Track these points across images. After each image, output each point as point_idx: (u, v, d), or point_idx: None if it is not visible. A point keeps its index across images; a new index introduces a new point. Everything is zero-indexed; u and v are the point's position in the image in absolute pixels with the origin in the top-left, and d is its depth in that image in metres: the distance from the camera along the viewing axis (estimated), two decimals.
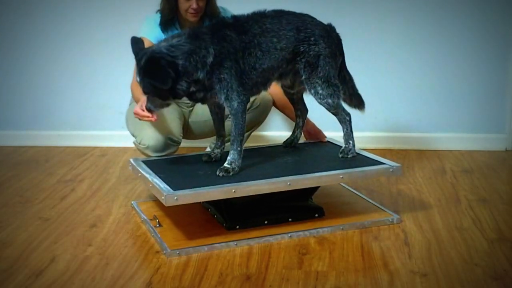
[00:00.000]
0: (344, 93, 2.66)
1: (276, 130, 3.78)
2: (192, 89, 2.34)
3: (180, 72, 2.26)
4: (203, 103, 2.50)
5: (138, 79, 2.30)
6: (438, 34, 3.61)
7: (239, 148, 2.40)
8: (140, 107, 2.47)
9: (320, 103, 2.54)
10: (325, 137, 2.95)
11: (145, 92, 2.34)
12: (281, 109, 3.04)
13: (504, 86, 3.64)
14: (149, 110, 2.38)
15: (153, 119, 2.41)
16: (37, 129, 3.97)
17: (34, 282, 2.08)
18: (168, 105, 2.41)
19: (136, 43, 2.36)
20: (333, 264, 2.17)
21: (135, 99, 2.74)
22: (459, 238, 2.38)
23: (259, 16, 2.46)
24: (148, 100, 2.36)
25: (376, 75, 3.67)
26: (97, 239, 2.42)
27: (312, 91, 2.52)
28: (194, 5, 2.69)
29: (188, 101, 2.98)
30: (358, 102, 2.72)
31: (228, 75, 2.32)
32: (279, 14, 2.49)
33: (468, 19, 3.58)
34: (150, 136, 2.71)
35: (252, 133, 3.12)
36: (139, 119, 2.52)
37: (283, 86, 2.71)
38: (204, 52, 2.30)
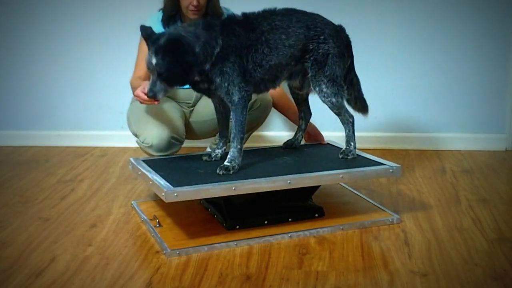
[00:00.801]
0: (350, 95, 2.66)
1: (277, 130, 3.78)
2: (197, 78, 2.35)
3: (195, 59, 2.27)
4: (208, 96, 2.51)
5: (154, 60, 2.24)
6: (438, 34, 3.61)
7: (239, 146, 2.40)
8: (142, 90, 2.47)
9: (324, 102, 2.55)
10: (324, 140, 2.95)
11: (159, 74, 2.28)
12: (281, 111, 3.04)
13: (504, 86, 3.64)
14: (153, 96, 2.32)
15: (156, 102, 2.41)
16: (37, 129, 3.97)
17: (34, 282, 2.07)
18: (168, 91, 2.36)
19: (146, 29, 2.35)
20: (333, 264, 2.17)
21: (134, 89, 2.74)
22: (459, 238, 2.38)
23: (269, 14, 2.47)
24: (154, 85, 2.31)
25: (376, 75, 3.67)
26: (97, 239, 2.42)
27: (317, 89, 2.53)
28: (195, 2, 2.70)
29: (189, 101, 2.99)
30: (362, 106, 2.72)
31: (231, 69, 2.33)
32: (289, 12, 2.50)
33: (468, 19, 3.58)
34: (154, 135, 2.71)
35: (253, 133, 3.12)
36: (141, 103, 2.54)
37: (291, 87, 2.71)
38: (214, 43, 2.31)
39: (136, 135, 2.84)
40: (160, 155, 2.73)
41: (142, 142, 2.76)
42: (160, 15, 2.86)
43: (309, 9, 2.61)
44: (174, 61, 2.24)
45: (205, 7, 2.77)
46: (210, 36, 2.31)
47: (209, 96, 2.51)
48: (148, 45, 2.32)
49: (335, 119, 2.65)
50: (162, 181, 2.28)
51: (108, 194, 2.98)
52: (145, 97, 2.43)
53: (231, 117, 2.43)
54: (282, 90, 2.93)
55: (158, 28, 2.78)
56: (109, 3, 3.74)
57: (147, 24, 2.82)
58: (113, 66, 3.77)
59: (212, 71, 2.33)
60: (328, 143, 2.92)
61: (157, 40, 2.27)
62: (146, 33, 2.33)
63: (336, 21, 2.62)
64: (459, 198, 2.83)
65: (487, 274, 2.07)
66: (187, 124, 2.99)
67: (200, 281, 2.06)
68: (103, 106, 3.88)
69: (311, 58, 2.50)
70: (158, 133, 2.71)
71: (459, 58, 3.63)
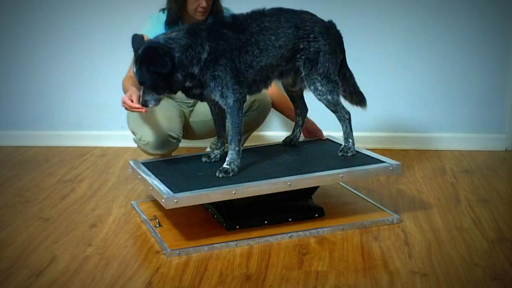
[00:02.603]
0: (345, 91, 2.67)
1: (276, 130, 3.78)
2: (188, 84, 2.36)
3: (176, 64, 2.28)
4: (202, 100, 2.51)
5: (135, 69, 2.30)
6: (438, 33, 3.61)
7: (237, 148, 2.40)
8: (129, 97, 2.47)
9: (320, 100, 2.55)
10: (324, 135, 2.95)
11: (141, 83, 2.33)
12: (280, 110, 3.04)
13: (504, 86, 3.63)
14: (144, 104, 2.36)
15: (143, 110, 2.40)
16: (37, 129, 3.97)
17: (34, 282, 2.08)
18: (160, 100, 2.39)
19: (137, 39, 2.38)
20: (333, 264, 2.17)
21: (124, 90, 2.74)
22: (459, 238, 2.38)
23: (258, 15, 2.47)
24: (144, 93, 2.35)
25: (376, 75, 3.67)
26: (97, 239, 2.42)
27: (312, 87, 2.53)
28: (204, 4, 2.69)
29: (189, 101, 2.99)
30: (359, 99, 2.72)
31: (223, 73, 2.33)
32: (278, 12, 2.50)
33: (468, 18, 3.57)
34: (150, 133, 2.71)
35: (252, 133, 3.12)
36: (125, 109, 2.51)
37: (284, 84, 2.71)
38: (200, 48, 2.32)
39: (133, 133, 2.84)
40: (157, 153, 2.73)
41: (139, 140, 2.76)
42: (160, 15, 2.85)
43: (309, 9, 2.61)
44: (149, 70, 2.26)
45: (211, 7, 2.77)
46: (195, 41, 2.32)
47: (202, 100, 2.52)
48: (134, 55, 2.35)
49: (334, 117, 2.65)
50: (162, 187, 2.28)
51: (108, 194, 2.98)
52: (131, 104, 2.44)
53: (227, 119, 2.43)
54: (280, 90, 2.93)
55: (159, 29, 2.78)
56: (109, 3, 3.74)
57: (147, 25, 2.84)
58: (113, 66, 3.76)
59: (203, 76, 2.34)
60: (327, 139, 2.92)
61: (138, 50, 2.31)
62: (135, 45, 2.36)
63: (336, 21, 2.62)
64: (459, 198, 2.83)
65: (487, 274, 2.07)
66: (186, 124, 2.99)
67: (200, 281, 2.06)
68: (103, 106, 3.88)
69: (303, 57, 2.50)
70: (155, 131, 2.71)
71: (459, 58, 3.63)
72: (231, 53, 2.36)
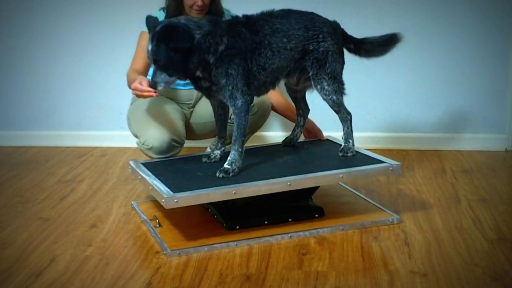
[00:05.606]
0: (373, 49, 2.69)
1: (276, 130, 3.78)
2: (199, 74, 2.34)
3: (194, 46, 2.26)
4: (208, 97, 2.50)
5: (150, 47, 2.26)
6: (438, 33, 3.61)
7: (240, 149, 2.40)
8: (139, 83, 2.44)
9: (325, 99, 2.55)
10: (324, 136, 2.95)
11: (155, 61, 2.29)
12: (280, 113, 3.04)
13: (504, 86, 3.63)
14: (153, 86, 2.33)
15: (154, 94, 2.37)
16: (37, 129, 3.97)
17: (34, 282, 2.08)
18: (170, 84, 2.37)
19: (151, 19, 2.36)
20: (333, 264, 2.17)
21: (130, 82, 2.72)
22: (459, 238, 2.38)
23: (268, 16, 2.47)
24: (155, 74, 2.32)
25: (376, 75, 3.67)
26: (97, 239, 2.42)
27: (318, 87, 2.53)
28: (200, 2, 2.69)
29: (189, 102, 2.99)
30: (389, 42, 2.69)
31: (236, 72, 2.33)
32: (287, 14, 2.50)
33: (468, 18, 3.57)
34: (154, 137, 2.70)
35: (250, 136, 3.11)
36: (137, 95, 2.47)
37: (288, 84, 2.71)
38: (219, 39, 2.31)
39: (136, 136, 2.83)
40: (160, 157, 2.73)
41: (142, 144, 2.74)
42: (160, 14, 2.86)
43: (309, 8, 2.61)
44: (168, 47, 2.24)
45: (208, 7, 2.77)
46: (215, 31, 2.31)
47: (208, 97, 2.51)
48: (149, 33, 2.32)
49: (334, 117, 2.65)
50: (162, 187, 2.27)
51: (108, 194, 2.98)
52: (142, 87, 2.40)
53: (232, 119, 2.42)
54: (278, 93, 2.93)
55: None
56: (109, 3, 3.74)
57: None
58: (113, 66, 3.76)
59: (216, 70, 2.33)
60: (327, 139, 2.92)
61: (155, 27, 2.28)
62: (150, 24, 2.34)
63: (336, 20, 2.63)
64: (459, 198, 2.83)
65: (487, 274, 2.07)
66: (187, 125, 2.98)
67: (200, 281, 2.06)
68: (103, 106, 3.88)
69: (311, 58, 2.51)
70: (159, 135, 2.70)
71: (459, 58, 3.63)
72: (245, 53, 2.36)
